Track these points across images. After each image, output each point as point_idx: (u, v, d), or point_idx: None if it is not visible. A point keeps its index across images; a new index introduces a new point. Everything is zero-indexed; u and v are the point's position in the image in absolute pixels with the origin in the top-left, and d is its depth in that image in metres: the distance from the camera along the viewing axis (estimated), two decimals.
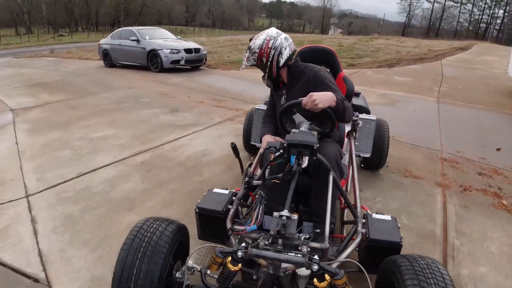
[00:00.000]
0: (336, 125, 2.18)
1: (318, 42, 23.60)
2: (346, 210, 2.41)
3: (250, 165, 2.52)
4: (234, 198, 2.12)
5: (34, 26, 58.05)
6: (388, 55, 15.91)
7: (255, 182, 2.00)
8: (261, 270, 1.54)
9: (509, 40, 56.87)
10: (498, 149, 4.70)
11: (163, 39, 11.67)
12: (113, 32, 12.96)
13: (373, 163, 3.60)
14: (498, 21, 69.78)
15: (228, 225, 1.89)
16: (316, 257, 1.40)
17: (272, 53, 2.23)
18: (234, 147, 2.29)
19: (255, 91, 7.76)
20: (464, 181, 3.64)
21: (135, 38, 11.51)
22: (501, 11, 68.25)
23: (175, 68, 10.83)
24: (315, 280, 1.41)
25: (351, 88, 2.89)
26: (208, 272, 1.59)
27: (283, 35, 2.30)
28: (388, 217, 2.02)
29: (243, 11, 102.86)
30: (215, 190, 2.22)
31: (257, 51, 2.24)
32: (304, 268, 1.43)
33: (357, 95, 3.70)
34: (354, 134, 3.10)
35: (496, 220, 2.97)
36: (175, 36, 12.74)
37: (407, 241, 2.59)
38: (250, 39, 2.31)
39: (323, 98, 1.94)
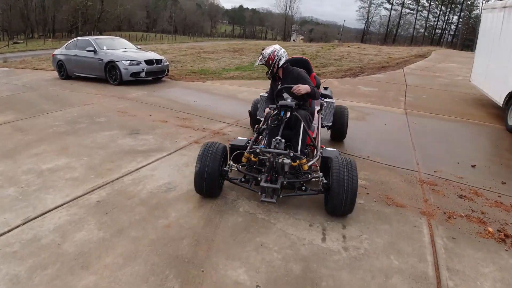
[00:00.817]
0: (309, 102, 4.20)
1: None
2: (314, 151, 3.83)
3: (258, 127, 3.99)
4: (250, 140, 3.72)
5: None
6: (351, 64, 16.10)
7: (263, 127, 3.80)
8: (266, 165, 3.12)
9: (464, 45, 60.24)
10: (473, 166, 4.65)
11: (122, 50, 11.09)
12: (69, 42, 12.18)
13: (337, 134, 5.27)
14: (453, 26, 73.83)
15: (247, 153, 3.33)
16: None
17: (276, 59, 3.84)
18: (250, 113, 4.97)
19: (222, 107, 7.42)
20: (447, 206, 3.49)
21: (92, 48, 10.85)
22: (456, 17, 72.26)
23: (136, 80, 10.28)
24: (292, 163, 3.04)
25: (318, 82, 4.69)
26: (240, 167, 3.29)
27: (283, 49, 3.91)
28: (334, 149, 3.65)
29: (205, 17, 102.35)
30: (239, 138, 3.95)
31: (267, 56, 3.85)
32: (287, 159, 2.98)
33: (326, 88, 5.32)
34: (321, 111, 4.75)
35: (486, 252, 2.81)
36: (135, 46, 12.15)
37: None
38: (263, 49, 3.90)
39: (304, 88, 3.68)
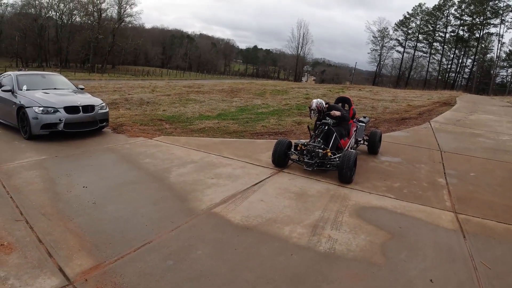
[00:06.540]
0: (343, 121, 6.29)
1: (284, 92, 20.74)
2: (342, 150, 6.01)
3: (310, 131, 6.56)
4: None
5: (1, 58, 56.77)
6: (362, 113, 12.84)
7: (312, 132, 6.41)
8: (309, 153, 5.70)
9: (478, 88, 57.21)
10: None
11: (45, 91, 7.96)
12: None
13: (371, 148, 7.17)
14: (467, 70, 71.03)
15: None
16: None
17: (321, 105, 6.23)
18: (309, 127, 6.85)
19: (114, 207, 4.01)
20: None
21: (9, 87, 7.88)
22: (470, 60, 69.62)
23: (61, 132, 7.21)
24: (322, 152, 5.57)
25: (355, 112, 7.10)
26: (296, 152, 5.83)
27: (318, 99, 6.45)
28: (353, 151, 5.54)
29: (220, 55, 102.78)
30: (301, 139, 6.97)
31: (316, 107, 6.16)
32: (319, 149, 5.56)
33: (365, 117, 7.81)
34: (356, 130, 6.89)
35: None
36: (75, 87, 9.06)
37: None
38: (309, 107, 6.27)
39: (337, 113, 6.08)
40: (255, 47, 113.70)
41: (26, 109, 7.09)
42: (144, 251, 3.12)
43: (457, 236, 3.84)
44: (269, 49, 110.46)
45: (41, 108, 7.07)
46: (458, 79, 71.87)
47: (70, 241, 3.19)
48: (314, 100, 6.30)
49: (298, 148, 5.79)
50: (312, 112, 6.19)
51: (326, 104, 6.37)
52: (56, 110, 7.12)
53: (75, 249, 3.06)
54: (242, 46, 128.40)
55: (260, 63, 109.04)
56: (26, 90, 7.87)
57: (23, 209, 3.81)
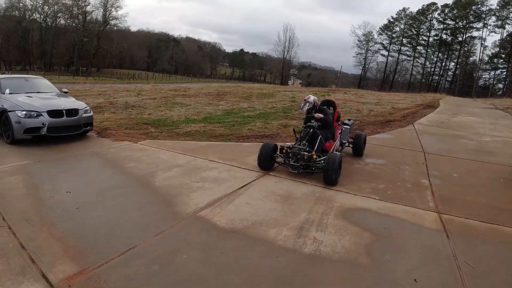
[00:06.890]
0: (326, 125, 6.22)
1: (271, 95, 20.82)
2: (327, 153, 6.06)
3: (296, 134, 6.48)
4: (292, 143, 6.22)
5: None
6: (348, 116, 13.00)
7: (297, 134, 6.33)
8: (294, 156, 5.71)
9: (461, 91, 58.42)
10: None
11: (28, 95, 7.83)
12: None
13: (356, 151, 7.19)
14: (450, 73, 72.43)
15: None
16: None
17: (317, 102, 6.40)
18: (294, 130, 6.67)
19: (97, 213, 3.97)
20: None
21: None
22: (453, 64, 71.02)
23: (44, 136, 7.09)
24: (307, 154, 5.57)
25: (339, 115, 7.20)
26: (281, 155, 5.87)
27: (315, 96, 6.47)
28: (338, 153, 5.72)
29: (206, 59, 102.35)
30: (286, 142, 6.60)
31: (313, 102, 6.25)
32: (304, 152, 5.57)
33: (349, 119, 7.84)
34: (341, 133, 6.96)
35: None
36: (59, 90, 8.94)
37: None
38: (304, 99, 6.31)
39: (320, 115, 6.15)
40: (242, 50, 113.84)
41: (9, 113, 6.97)
42: (128, 256, 3.10)
43: (440, 236, 3.92)
44: (255, 53, 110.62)
45: (24, 112, 6.95)
46: (441, 82, 73.24)
47: (53, 247, 3.15)
48: (312, 96, 6.38)
49: (284, 151, 5.81)
50: (307, 104, 6.22)
51: (319, 103, 6.54)
52: (39, 114, 7.01)
53: (58, 255, 3.02)
54: (229, 49, 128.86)
55: (246, 66, 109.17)
56: (9, 93, 7.75)
57: (6, 215, 3.74)
